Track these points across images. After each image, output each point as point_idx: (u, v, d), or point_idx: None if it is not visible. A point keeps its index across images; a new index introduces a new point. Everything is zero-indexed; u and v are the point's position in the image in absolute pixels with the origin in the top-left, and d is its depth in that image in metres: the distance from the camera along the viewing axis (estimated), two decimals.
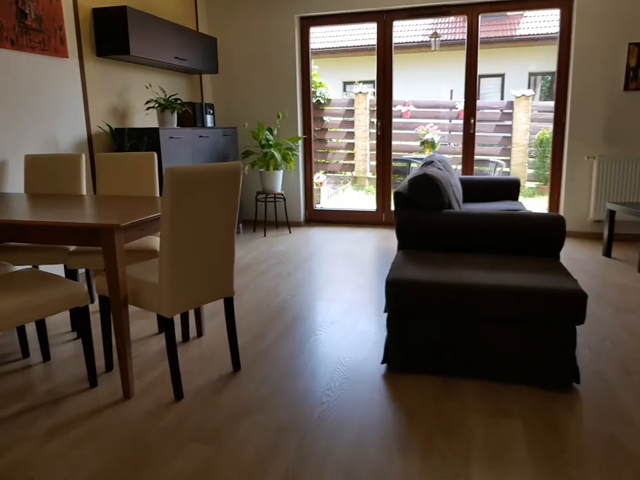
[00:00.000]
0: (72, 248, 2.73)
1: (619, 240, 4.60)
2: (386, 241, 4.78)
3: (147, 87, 4.39)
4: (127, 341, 2.04)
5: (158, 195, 2.96)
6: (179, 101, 4.17)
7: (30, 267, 2.67)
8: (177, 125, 4.38)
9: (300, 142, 5.37)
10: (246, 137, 5.49)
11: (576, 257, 4.12)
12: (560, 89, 4.77)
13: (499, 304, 2.08)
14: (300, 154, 5.42)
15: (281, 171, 5.14)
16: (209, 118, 4.82)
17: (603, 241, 4.18)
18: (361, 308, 3.07)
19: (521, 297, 2.05)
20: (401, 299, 2.18)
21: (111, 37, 3.72)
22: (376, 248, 4.53)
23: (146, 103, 4.17)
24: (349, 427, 1.86)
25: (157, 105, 4.07)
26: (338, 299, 3.24)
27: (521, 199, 6.98)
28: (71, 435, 1.84)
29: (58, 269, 3.42)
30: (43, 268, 3.26)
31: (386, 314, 2.91)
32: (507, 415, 1.93)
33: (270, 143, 5.05)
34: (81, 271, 3.72)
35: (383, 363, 2.30)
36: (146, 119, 4.42)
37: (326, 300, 3.22)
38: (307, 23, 5.26)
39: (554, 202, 4.97)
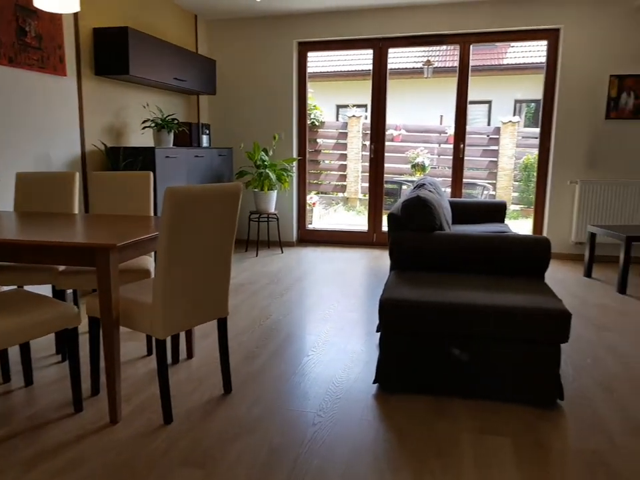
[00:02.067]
0: (61, 268, 2.66)
1: (600, 261, 4.72)
2: (377, 261, 4.85)
3: (144, 107, 4.47)
4: (117, 364, 2.01)
5: (152, 214, 3.00)
6: (175, 121, 4.25)
7: (15, 287, 2.63)
8: (173, 145, 4.45)
9: (294, 163, 5.46)
10: (241, 157, 5.57)
11: (558, 278, 4.22)
12: (545, 116, 4.93)
13: (489, 323, 2.14)
14: (294, 175, 5.51)
15: (275, 191, 5.21)
16: (204, 138, 4.89)
17: (584, 262, 4.30)
18: (352, 328, 3.11)
19: (509, 316, 2.12)
20: (394, 318, 2.23)
21: (110, 57, 3.80)
22: (367, 268, 4.59)
23: (142, 122, 4.24)
24: (342, 448, 1.89)
25: (153, 125, 4.13)
26: (330, 318, 3.28)
27: (506, 221, 7.12)
28: (54, 463, 1.78)
29: (44, 289, 3.38)
30: (28, 288, 3.21)
31: (378, 334, 2.96)
32: (496, 433, 1.98)
33: (265, 163, 5.13)
34: (68, 290, 3.71)
35: (374, 382, 2.34)
36: (141, 138, 4.48)
37: (318, 320, 3.25)
38: (305, 48, 5.40)
39: (538, 224, 5.09)
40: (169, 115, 4.29)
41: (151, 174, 2.97)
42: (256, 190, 5.15)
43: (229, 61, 5.50)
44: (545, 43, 4.88)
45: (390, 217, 2.90)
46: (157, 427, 2.02)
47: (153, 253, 2.87)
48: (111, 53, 3.80)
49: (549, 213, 4.94)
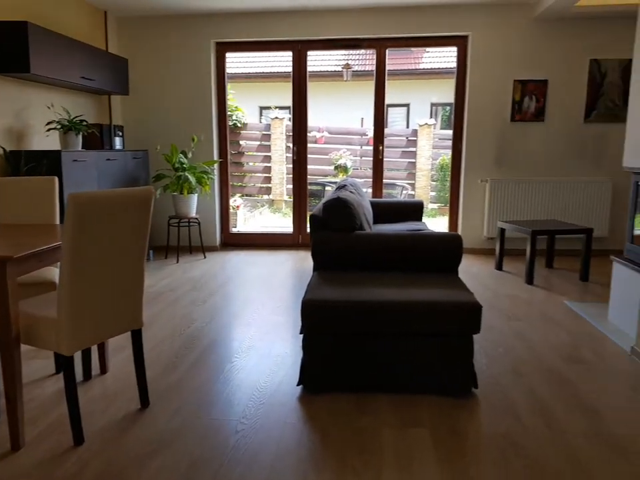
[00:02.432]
0: None
1: (509, 255, 5.04)
2: (302, 262, 4.86)
3: (49, 107, 4.17)
4: (18, 385, 1.86)
5: (58, 222, 2.80)
6: (84, 122, 4.00)
7: None
8: (82, 148, 4.19)
9: (216, 165, 5.35)
10: (158, 160, 5.36)
11: (473, 271, 4.46)
12: (457, 119, 5.20)
13: (406, 319, 2.21)
14: (216, 177, 5.39)
15: (196, 194, 5.07)
16: (117, 140, 4.66)
17: (495, 256, 4.57)
18: (278, 331, 3.09)
19: (425, 311, 2.20)
20: (316, 319, 2.24)
21: (8, 54, 3.51)
22: (293, 270, 4.59)
23: (47, 124, 3.96)
24: (265, 453, 1.86)
25: (59, 126, 3.87)
26: (255, 323, 3.23)
27: (424, 219, 7.42)
28: None
29: None
30: None
31: (302, 335, 2.96)
32: (416, 425, 2.04)
33: (184, 166, 4.97)
34: None
35: (298, 385, 2.33)
36: (46, 141, 4.18)
37: (243, 325, 3.20)
38: (223, 48, 5.30)
39: (453, 221, 5.36)
40: (76, 116, 4.04)
41: (56, 179, 2.78)
42: (175, 194, 4.98)
43: (143, 59, 5.28)
44: (455, 49, 5.14)
45: (312, 218, 2.91)
46: (66, 449, 1.88)
47: (59, 264, 2.67)
48: (9, 50, 3.50)
49: (462, 210, 5.21)
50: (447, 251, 2.72)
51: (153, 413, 2.14)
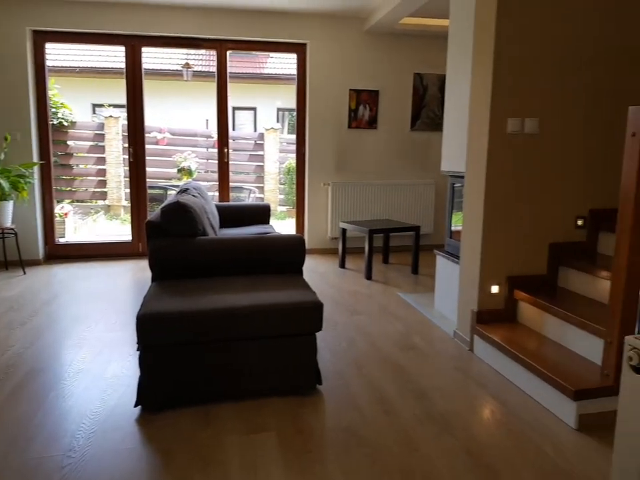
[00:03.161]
0: None
1: (351, 253, 5.35)
2: (144, 272, 4.54)
3: None
4: None
5: None
6: None
7: None
8: None
9: (36, 168, 4.71)
10: None
11: (320, 271, 4.64)
12: (299, 124, 5.35)
13: (250, 323, 2.17)
14: (36, 181, 4.75)
15: (11, 201, 4.41)
16: None
17: (338, 255, 4.82)
18: (113, 350, 2.82)
19: (267, 314, 2.19)
20: (153, 333, 2.09)
21: None
22: (132, 281, 4.26)
23: None
24: None
25: None
26: (86, 343, 2.91)
27: (274, 221, 7.54)
28: None
29: None
30: None
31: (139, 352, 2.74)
32: (263, 429, 2.01)
33: None
34: None
35: (136, 406, 2.15)
36: None
37: (71, 346, 2.85)
38: (42, 37, 4.70)
39: (300, 223, 5.52)
40: None
41: None
42: None
43: None
44: (295, 56, 5.28)
45: (148, 224, 2.71)
46: None
47: None
48: None
49: (308, 212, 5.38)
50: (291, 252, 2.76)
51: None
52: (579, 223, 2.88)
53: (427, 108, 5.51)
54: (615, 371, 2.08)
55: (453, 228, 3.58)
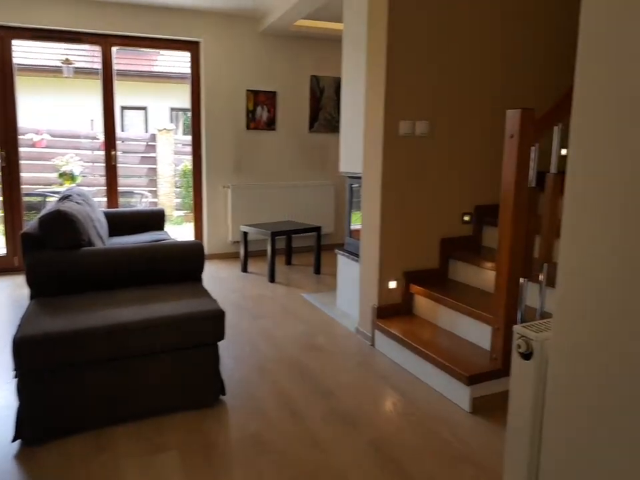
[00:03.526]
0: None
1: (254, 256, 5.28)
2: (22, 289, 4.09)
3: None
4: None
5: None
6: None
7: None
8: None
9: None
10: None
11: (221, 276, 4.51)
12: (195, 125, 5.16)
13: (143, 339, 2.02)
14: None
15: None
16: None
17: (240, 259, 4.72)
18: None
19: (164, 327, 2.06)
20: (33, 357, 1.87)
21: None
22: (8, 299, 3.82)
23: None
24: None
25: None
26: None
27: (171, 227, 7.22)
28: None
29: None
30: None
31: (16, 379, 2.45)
32: (163, 449, 1.89)
33: None
34: None
35: (14, 440, 1.91)
36: None
37: None
38: None
39: (199, 228, 5.33)
40: None
41: None
42: None
43: None
44: (188, 54, 5.07)
45: (24, 236, 2.43)
46: None
47: None
48: None
49: (207, 216, 5.21)
50: (189, 259, 2.63)
51: None
52: (466, 218, 3.08)
53: (324, 110, 5.60)
54: (502, 354, 2.24)
55: (352, 227, 3.66)
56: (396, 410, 2.22)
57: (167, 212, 5.52)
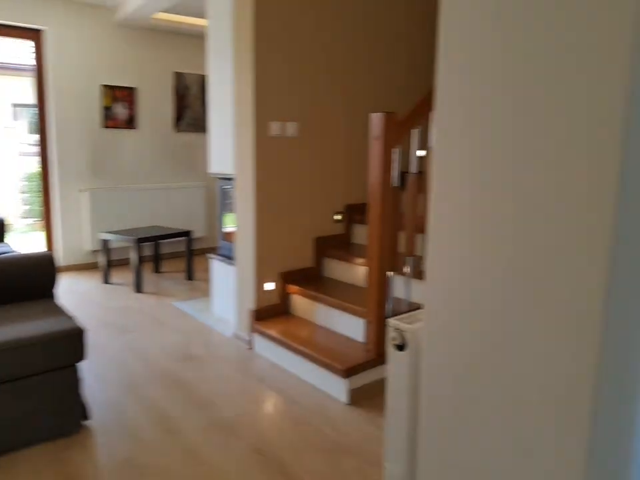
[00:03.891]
0: None
1: (118, 265, 4.89)
2: None
3: None
4: None
5: None
6: None
7: None
8: None
9: None
10: None
11: (80, 290, 4.09)
12: (43, 123, 4.62)
13: None
14: None
15: None
16: None
17: (102, 270, 4.33)
18: None
19: (12, 351, 1.79)
20: None
21: None
22: None
23: None
24: None
25: None
26: None
27: (17, 237, 6.39)
28: None
29: None
30: None
31: None
32: None
33: None
34: None
35: None
36: None
37: None
38: None
39: (50, 238, 4.78)
40: None
41: None
42: None
43: None
44: (33, 43, 4.51)
45: None
46: None
47: None
48: None
49: (61, 224, 4.69)
50: (37, 273, 2.33)
51: None
52: (338, 217, 3.19)
53: (189, 108, 5.39)
54: (375, 345, 2.35)
55: (225, 230, 3.57)
56: (276, 410, 2.20)
57: (11, 220, 4.85)
